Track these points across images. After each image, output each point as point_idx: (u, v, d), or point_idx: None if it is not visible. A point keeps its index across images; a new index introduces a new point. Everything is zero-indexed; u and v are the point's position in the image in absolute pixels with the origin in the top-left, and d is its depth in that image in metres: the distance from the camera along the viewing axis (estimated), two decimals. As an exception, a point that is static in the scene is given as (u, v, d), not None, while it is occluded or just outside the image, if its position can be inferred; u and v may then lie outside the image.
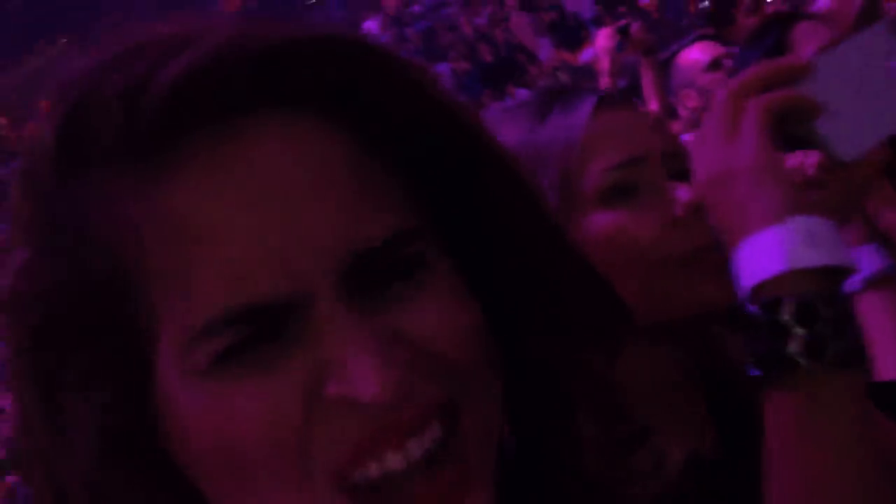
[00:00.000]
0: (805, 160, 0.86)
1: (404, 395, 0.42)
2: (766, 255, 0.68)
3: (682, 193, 0.89)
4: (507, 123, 0.93)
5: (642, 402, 0.85)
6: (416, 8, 10.47)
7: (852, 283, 1.39)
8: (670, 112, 3.06)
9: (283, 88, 0.43)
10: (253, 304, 0.41)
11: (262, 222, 0.41)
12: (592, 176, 0.90)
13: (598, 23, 6.82)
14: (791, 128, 0.74)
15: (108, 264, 0.43)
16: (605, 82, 3.12)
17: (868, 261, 1.44)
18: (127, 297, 0.43)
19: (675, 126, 2.88)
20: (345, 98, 0.44)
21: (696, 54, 3.00)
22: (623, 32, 3.11)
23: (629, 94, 3.14)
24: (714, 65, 2.91)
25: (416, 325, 0.43)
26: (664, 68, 3.15)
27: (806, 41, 1.70)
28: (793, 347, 0.66)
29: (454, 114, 0.47)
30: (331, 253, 0.42)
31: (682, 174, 0.87)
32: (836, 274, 0.68)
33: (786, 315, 0.66)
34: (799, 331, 0.66)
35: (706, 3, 3.75)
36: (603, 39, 3.23)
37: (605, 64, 3.16)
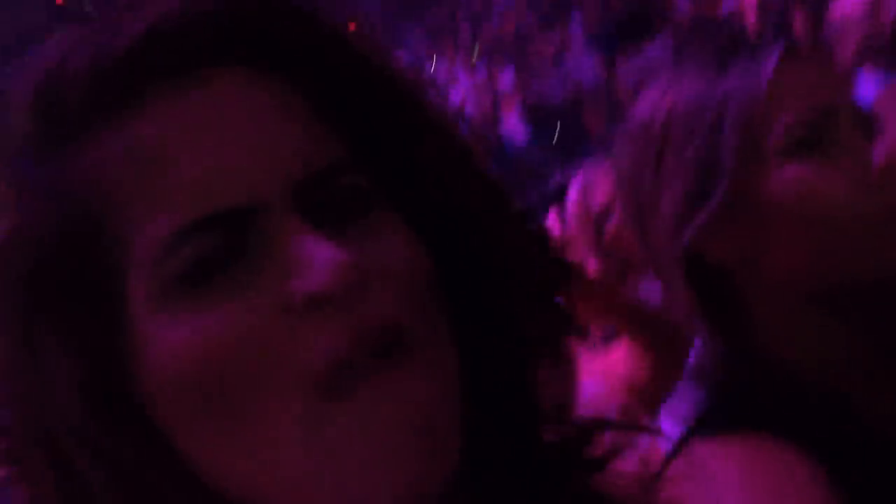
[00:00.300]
0: None
1: (359, 282, 0.43)
2: None
3: (878, 151, 0.84)
4: (682, 77, 0.90)
5: (833, 369, 0.83)
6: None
7: None
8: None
9: (230, 45, 0.48)
10: (214, 214, 0.44)
11: (220, 144, 0.45)
12: (779, 129, 0.85)
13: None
14: None
15: (80, 208, 0.46)
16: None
17: None
18: (100, 237, 0.45)
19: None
20: (290, 55, 0.49)
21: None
22: None
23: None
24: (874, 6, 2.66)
25: (369, 250, 0.46)
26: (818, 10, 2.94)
27: None
28: None
29: (391, 77, 0.52)
30: (284, 168, 0.46)
31: (869, 131, 0.83)
32: None
33: None
34: None
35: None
36: None
37: (750, 17, 2.96)
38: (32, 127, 0.47)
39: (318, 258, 0.44)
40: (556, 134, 6.92)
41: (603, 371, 1.57)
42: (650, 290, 1.54)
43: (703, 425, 0.87)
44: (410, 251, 0.48)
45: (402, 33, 8.95)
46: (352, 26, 0.52)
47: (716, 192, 0.87)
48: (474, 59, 7.90)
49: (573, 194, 1.75)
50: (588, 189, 1.71)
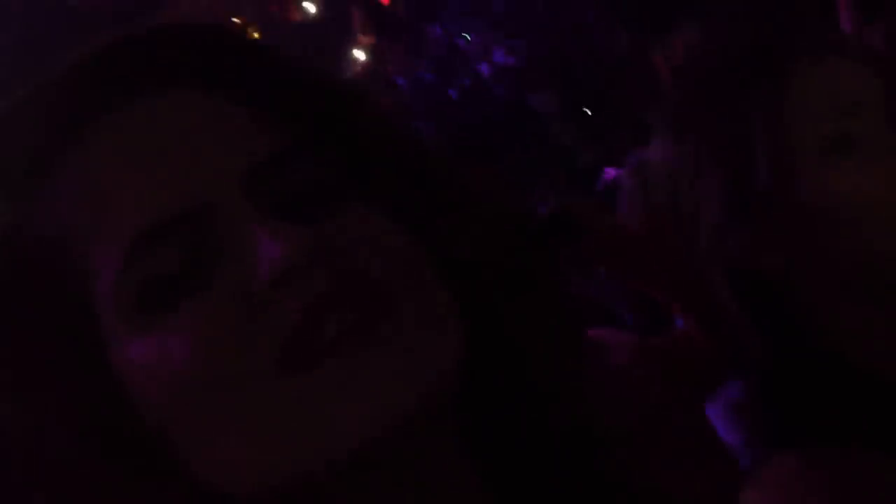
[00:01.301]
0: None
1: (315, 259, 0.44)
2: None
3: None
4: (704, 91, 0.90)
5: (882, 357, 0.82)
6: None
7: None
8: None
9: (161, 71, 0.51)
10: (159, 224, 0.46)
11: (160, 159, 0.48)
12: (811, 131, 0.85)
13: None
14: None
15: (45, 248, 0.48)
16: None
17: None
18: (68, 272, 0.47)
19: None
20: (220, 72, 0.53)
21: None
22: None
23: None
24: None
25: (328, 227, 0.47)
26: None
27: None
28: None
29: (320, 82, 0.55)
30: (227, 165, 0.47)
31: None
32: None
33: None
34: None
35: None
36: None
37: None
38: None
39: (269, 247, 0.44)
40: (588, 108, 6.88)
41: (652, 347, 1.55)
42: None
43: (778, 434, 0.87)
44: (373, 222, 0.49)
45: (435, 9, 8.90)
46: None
47: (754, 201, 0.87)
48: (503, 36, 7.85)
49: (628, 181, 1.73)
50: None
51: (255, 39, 0.57)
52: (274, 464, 0.45)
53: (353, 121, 0.54)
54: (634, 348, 1.54)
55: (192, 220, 0.46)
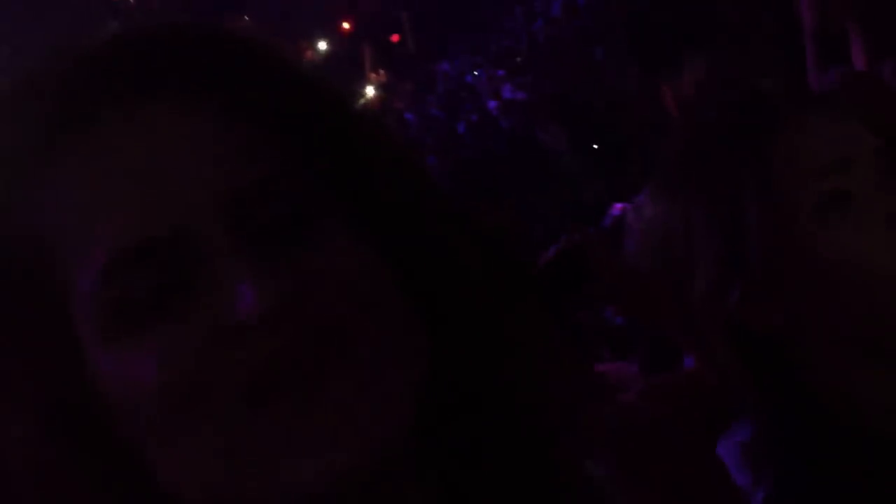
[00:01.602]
0: None
1: (286, 311, 0.44)
2: None
3: None
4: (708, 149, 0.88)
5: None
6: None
7: None
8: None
9: (153, 75, 0.49)
10: (141, 242, 0.45)
11: (144, 176, 0.46)
12: (804, 191, 0.82)
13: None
14: None
15: (27, 250, 0.48)
16: None
17: None
18: (49, 278, 0.47)
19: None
20: (212, 79, 0.50)
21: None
22: None
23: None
24: None
25: (305, 262, 0.47)
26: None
27: None
28: None
29: (314, 89, 0.53)
30: (209, 190, 0.46)
31: None
32: None
33: None
34: None
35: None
36: None
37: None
38: None
39: (245, 290, 0.44)
40: (594, 144, 6.91)
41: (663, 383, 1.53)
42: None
43: (784, 477, 0.86)
44: (350, 255, 0.48)
45: (444, 43, 8.99)
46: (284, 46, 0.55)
47: (749, 262, 0.85)
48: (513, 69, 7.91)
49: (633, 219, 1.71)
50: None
51: (258, 43, 0.54)
52: (221, 486, 0.46)
53: (359, 143, 0.53)
54: (643, 385, 1.52)
55: (171, 243, 0.46)
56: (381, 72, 9.52)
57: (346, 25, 9.64)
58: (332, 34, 9.43)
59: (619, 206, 3.17)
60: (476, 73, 8.41)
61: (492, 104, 7.64)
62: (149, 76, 0.49)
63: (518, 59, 7.78)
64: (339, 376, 0.45)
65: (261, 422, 0.45)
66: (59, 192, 0.48)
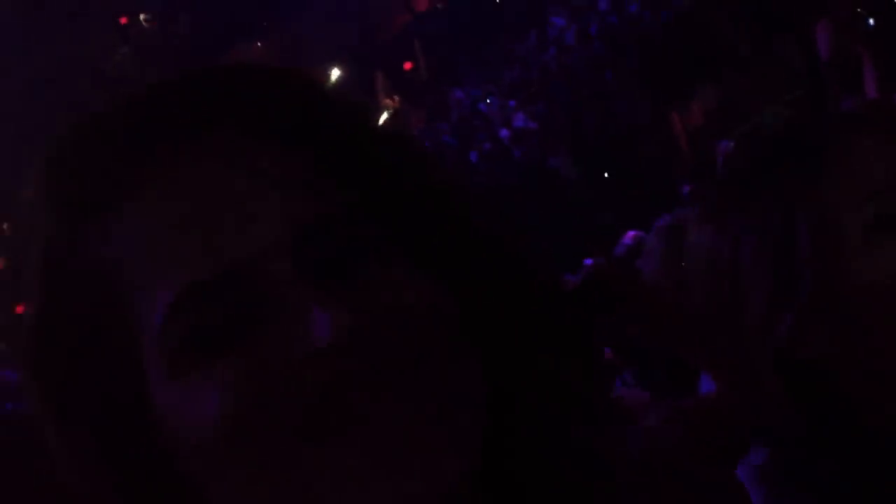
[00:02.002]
0: None
1: (359, 337, 0.45)
2: None
3: None
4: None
5: None
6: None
7: None
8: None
9: (221, 112, 0.50)
10: (211, 277, 0.46)
11: (213, 213, 0.47)
12: (854, 213, 0.80)
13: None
14: None
15: (99, 286, 0.48)
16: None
17: None
18: (118, 312, 0.48)
19: None
20: (281, 118, 0.51)
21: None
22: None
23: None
24: None
25: (368, 298, 0.47)
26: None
27: None
28: None
29: (369, 125, 0.54)
30: (279, 225, 0.47)
31: None
32: None
33: None
34: None
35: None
36: None
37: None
38: (45, 216, 0.50)
39: (320, 317, 0.45)
40: (605, 172, 6.91)
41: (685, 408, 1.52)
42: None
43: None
44: (412, 291, 0.49)
45: (457, 71, 9.04)
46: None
47: (800, 292, 0.83)
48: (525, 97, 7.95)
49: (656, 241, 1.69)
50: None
51: (315, 83, 0.56)
52: None
53: (418, 183, 0.53)
54: (665, 409, 1.51)
55: (239, 279, 0.46)
56: (395, 97, 9.57)
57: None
58: (344, 61, 9.50)
59: (631, 233, 3.17)
60: (489, 101, 8.45)
61: (504, 133, 7.68)
62: (214, 113, 0.50)
63: (531, 89, 7.82)
64: (410, 408, 0.45)
65: (331, 450, 0.45)
66: (131, 226, 0.48)
